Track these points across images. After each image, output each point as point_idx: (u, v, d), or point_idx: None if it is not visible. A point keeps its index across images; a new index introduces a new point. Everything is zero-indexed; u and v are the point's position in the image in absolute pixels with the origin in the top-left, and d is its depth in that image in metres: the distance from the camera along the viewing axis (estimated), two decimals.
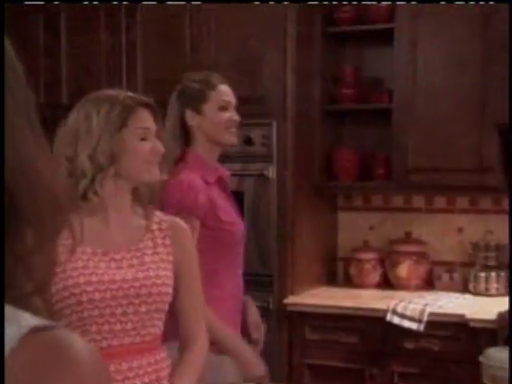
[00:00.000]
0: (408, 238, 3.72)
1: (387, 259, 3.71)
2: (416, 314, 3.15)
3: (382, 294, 3.54)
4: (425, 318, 3.13)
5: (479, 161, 3.33)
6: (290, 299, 3.46)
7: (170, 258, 1.86)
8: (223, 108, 2.46)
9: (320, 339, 3.38)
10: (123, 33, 3.77)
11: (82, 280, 1.72)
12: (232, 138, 2.48)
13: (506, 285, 3.47)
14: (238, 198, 3.50)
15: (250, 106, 3.46)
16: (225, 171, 2.55)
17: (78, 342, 0.63)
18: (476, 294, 3.48)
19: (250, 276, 3.49)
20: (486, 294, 3.47)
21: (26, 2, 3.59)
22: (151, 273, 1.80)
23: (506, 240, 3.56)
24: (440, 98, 3.41)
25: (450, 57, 3.40)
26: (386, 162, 3.62)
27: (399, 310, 3.18)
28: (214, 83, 2.48)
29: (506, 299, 3.32)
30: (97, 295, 1.73)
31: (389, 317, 3.18)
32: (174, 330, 2.03)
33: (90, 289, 1.72)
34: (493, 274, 3.47)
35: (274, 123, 3.45)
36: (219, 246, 2.42)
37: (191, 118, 2.46)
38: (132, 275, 1.78)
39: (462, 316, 3.08)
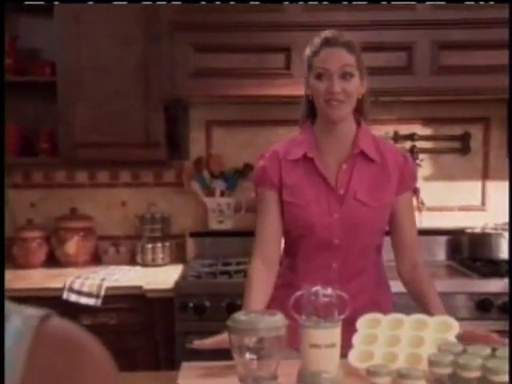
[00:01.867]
0: (74, 214, 3.69)
1: (53, 237, 3.63)
2: (94, 290, 3.14)
3: (52, 273, 3.46)
4: (102, 293, 3.14)
5: (146, 136, 3.42)
6: None
7: None
8: (319, 76, 2.07)
9: None
10: None
11: None
12: (331, 112, 2.06)
13: (171, 254, 3.65)
14: None
15: None
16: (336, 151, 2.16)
17: (81, 332, 0.71)
18: (144, 265, 3.60)
19: None
20: (154, 264, 3.60)
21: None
22: None
23: (169, 212, 3.75)
24: (107, 73, 3.41)
25: (114, 34, 3.41)
26: (51, 136, 3.53)
27: (76, 287, 3.15)
28: (317, 46, 2.08)
29: (173, 268, 3.51)
30: None
31: (65, 295, 3.12)
32: None
33: None
34: (159, 244, 3.61)
35: None
36: (292, 229, 2.14)
37: (305, 87, 2.15)
38: None
39: (139, 288, 3.16)
